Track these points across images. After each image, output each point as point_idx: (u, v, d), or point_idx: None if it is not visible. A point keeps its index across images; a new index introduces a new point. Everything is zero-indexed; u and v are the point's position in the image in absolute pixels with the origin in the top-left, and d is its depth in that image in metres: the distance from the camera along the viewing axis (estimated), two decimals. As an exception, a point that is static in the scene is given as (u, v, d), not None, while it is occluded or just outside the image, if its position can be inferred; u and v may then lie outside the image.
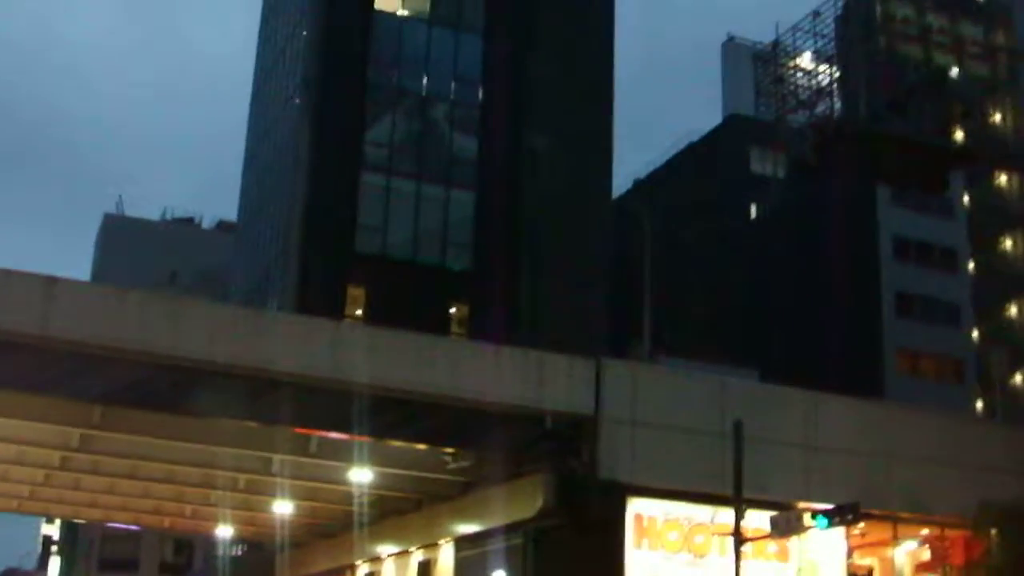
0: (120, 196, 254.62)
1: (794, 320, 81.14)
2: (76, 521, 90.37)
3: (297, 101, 72.19)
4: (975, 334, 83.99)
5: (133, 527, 71.56)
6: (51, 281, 32.09)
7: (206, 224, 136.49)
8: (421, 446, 38.78)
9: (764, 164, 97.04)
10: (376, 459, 39.92)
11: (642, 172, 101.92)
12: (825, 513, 31.87)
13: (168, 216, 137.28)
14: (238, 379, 33.74)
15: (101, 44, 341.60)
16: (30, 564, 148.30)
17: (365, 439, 37.82)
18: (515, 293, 66.99)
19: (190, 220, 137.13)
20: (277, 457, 41.54)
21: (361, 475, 41.23)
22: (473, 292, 66.29)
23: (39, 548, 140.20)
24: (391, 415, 35.48)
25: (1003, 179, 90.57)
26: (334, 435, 38.02)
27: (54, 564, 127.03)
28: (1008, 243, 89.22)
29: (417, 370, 34.95)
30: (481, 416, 35.94)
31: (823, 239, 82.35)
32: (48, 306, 31.47)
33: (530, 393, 36.23)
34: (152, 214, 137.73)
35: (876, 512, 37.69)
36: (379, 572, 49.42)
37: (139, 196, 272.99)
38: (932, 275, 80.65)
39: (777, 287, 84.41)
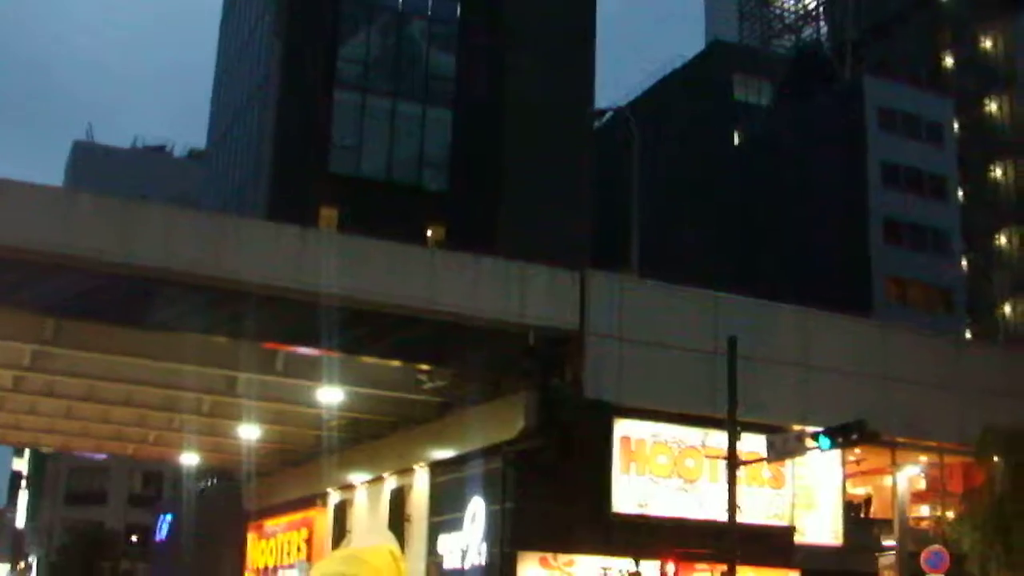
0: (90, 124, 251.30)
1: (782, 247, 79.43)
2: (42, 451, 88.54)
3: (267, 18, 69.65)
4: (964, 263, 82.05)
5: (97, 455, 69.49)
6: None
7: (178, 152, 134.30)
8: (395, 363, 36.46)
9: (748, 90, 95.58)
10: (347, 378, 37.63)
11: (623, 101, 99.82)
12: (828, 432, 29.69)
13: (139, 145, 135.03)
14: (198, 289, 31.58)
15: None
16: (0, 501, 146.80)
17: (335, 355, 35.52)
18: (494, 216, 64.81)
19: (161, 148, 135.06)
20: (242, 376, 39.29)
21: (331, 395, 39.00)
22: (450, 214, 64.13)
23: (6, 484, 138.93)
24: (362, 329, 33.22)
25: (993, 106, 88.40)
26: (302, 350, 35.76)
27: (23, 499, 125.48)
28: (998, 171, 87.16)
29: (390, 281, 32.80)
30: (458, 331, 33.85)
31: (811, 165, 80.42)
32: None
33: (511, 307, 34.07)
34: (124, 144, 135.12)
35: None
36: (351, 500, 47.29)
37: (112, 127, 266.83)
38: (921, 202, 78.51)
39: (764, 214, 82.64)
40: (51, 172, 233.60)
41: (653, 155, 73.60)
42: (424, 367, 36.60)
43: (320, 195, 62.62)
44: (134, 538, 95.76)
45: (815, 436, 30.14)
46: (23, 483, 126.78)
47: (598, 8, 73.95)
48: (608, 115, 47.28)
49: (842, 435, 29.53)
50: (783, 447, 31.92)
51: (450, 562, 37.87)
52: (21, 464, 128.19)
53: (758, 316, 37.64)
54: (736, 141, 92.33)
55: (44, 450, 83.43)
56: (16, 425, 49.05)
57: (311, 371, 37.20)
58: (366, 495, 46.29)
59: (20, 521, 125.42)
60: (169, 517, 70.44)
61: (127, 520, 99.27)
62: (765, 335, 36.55)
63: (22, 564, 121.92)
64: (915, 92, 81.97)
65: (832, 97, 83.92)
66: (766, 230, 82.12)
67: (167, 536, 70.06)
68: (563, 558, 34.59)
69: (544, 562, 34.51)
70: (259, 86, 70.18)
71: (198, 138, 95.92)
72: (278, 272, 31.60)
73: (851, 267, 75.43)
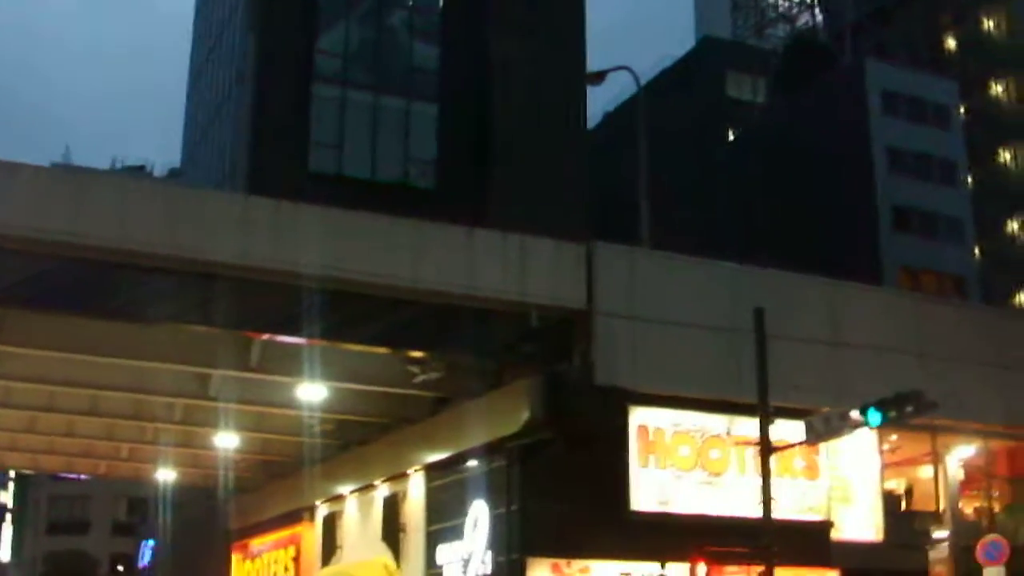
0: (67, 146, 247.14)
1: (785, 244, 75.96)
2: (7, 473, 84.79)
3: (240, 12, 66.28)
4: (976, 251, 78.76)
5: (70, 475, 65.76)
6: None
7: (158, 172, 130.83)
8: (381, 350, 32.58)
9: (741, 87, 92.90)
10: (330, 373, 33.83)
11: (611, 105, 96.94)
12: (879, 405, 26.08)
13: (118, 166, 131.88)
14: (160, 272, 27.94)
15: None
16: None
17: (315, 342, 31.73)
18: (483, 214, 61.05)
19: (141, 168, 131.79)
20: (215, 373, 35.48)
21: (313, 393, 35.35)
22: (438, 213, 59.70)
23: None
24: (345, 312, 29.46)
25: (998, 89, 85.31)
26: (278, 338, 31.93)
27: (7, 532, 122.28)
28: (1006, 156, 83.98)
29: (374, 257, 29.26)
30: (452, 313, 30.35)
31: (812, 156, 77.15)
32: None
33: (510, 284, 30.43)
34: (103, 165, 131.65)
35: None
36: (340, 512, 43.66)
37: (88, 149, 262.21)
38: (930, 188, 75.36)
39: (764, 212, 79.36)
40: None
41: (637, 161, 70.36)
42: (415, 355, 32.79)
43: (300, 196, 58.65)
44: (120, 568, 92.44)
45: (862, 411, 26.54)
46: (8, 516, 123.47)
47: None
48: (606, 79, 43.34)
49: (895, 407, 25.94)
50: (824, 427, 28.31)
51: (451, 573, 34.20)
52: (6, 496, 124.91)
53: (782, 289, 33.99)
54: (731, 139, 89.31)
55: (18, 472, 79.97)
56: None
57: (290, 366, 33.40)
58: (357, 506, 42.61)
59: (5, 555, 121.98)
60: (152, 543, 66.99)
61: (111, 549, 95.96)
62: (791, 310, 32.84)
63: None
64: (919, 75, 79.12)
65: (832, 83, 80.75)
66: (768, 230, 78.66)
67: (150, 563, 66.60)
68: (577, 564, 30.90)
69: (556, 569, 30.83)
70: (231, 87, 66.86)
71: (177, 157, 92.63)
72: (248, 250, 28.06)
73: (861, 258, 72.09)
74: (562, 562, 30.73)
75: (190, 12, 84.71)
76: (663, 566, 29.67)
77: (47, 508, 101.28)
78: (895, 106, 76.54)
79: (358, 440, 41.11)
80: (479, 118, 63.56)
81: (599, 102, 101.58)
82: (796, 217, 76.39)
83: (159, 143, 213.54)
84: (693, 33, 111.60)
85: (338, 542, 43.77)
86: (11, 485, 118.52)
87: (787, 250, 74.17)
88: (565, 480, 30.55)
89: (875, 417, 26.21)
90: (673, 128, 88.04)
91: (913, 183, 74.79)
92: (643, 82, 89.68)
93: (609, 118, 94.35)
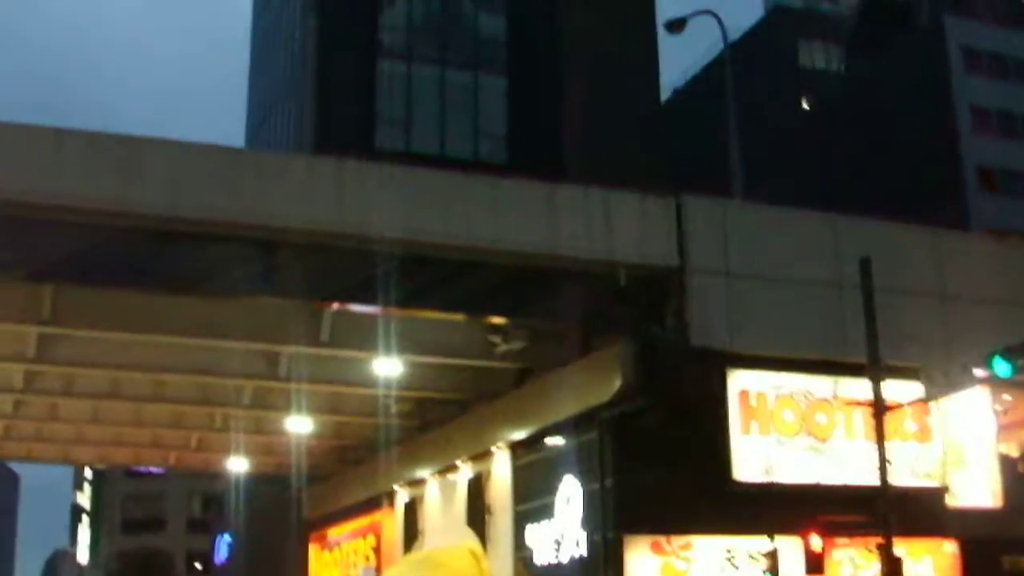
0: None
1: (868, 214, 73.39)
2: (97, 471, 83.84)
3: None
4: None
5: (142, 469, 64.38)
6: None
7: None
8: (459, 317, 30.72)
9: (814, 55, 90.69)
10: (406, 345, 31.83)
11: (680, 81, 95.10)
12: (1006, 353, 23.76)
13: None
14: (221, 241, 25.92)
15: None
16: (63, 540, 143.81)
17: (389, 310, 29.73)
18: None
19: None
20: (285, 350, 33.62)
21: (389, 367, 33.37)
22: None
23: (68, 520, 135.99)
24: (419, 278, 27.42)
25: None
26: (350, 308, 30.02)
27: (84, 534, 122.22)
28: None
29: (448, 218, 27.03)
30: (534, 275, 28.21)
31: (892, 121, 74.51)
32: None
33: (596, 243, 28.16)
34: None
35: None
36: (421, 497, 41.75)
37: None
38: (1015, 147, 72.65)
39: (845, 181, 76.77)
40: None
41: (715, 134, 68.23)
42: (496, 322, 30.84)
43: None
44: (198, 565, 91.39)
45: (987, 361, 24.26)
46: (84, 517, 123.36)
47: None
48: (686, 26, 41.34)
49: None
50: (945, 381, 26.02)
51: (542, 556, 32.18)
52: (82, 498, 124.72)
53: (885, 240, 31.43)
54: (806, 107, 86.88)
55: (95, 471, 79.07)
56: (39, 436, 43.90)
57: (362, 339, 31.51)
58: (438, 489, 40.65)
59: (83, 556, 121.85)
60: (227, 537, 65.57)
61: (187, 546, 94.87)
62: (895, 262, 30.36)
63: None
64: (1000, 30, 76.31)
65: (910, 44, 78.14)
66: (848, 198, 76.04)
67: (227, 558, 65.20)
68: (678, 540, 28.71)
69: (656, 547, 28.64)
70: (294, 68, 65.33)
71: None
72: (314, 214, 26.03)
73: (947, 221, 69.46)
74: (662, 539, 28.56)
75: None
76: (771, 539, 27.45)
77: (122, 507, 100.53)
78: (977, 64, 73.98)
79: (437, 419, 39.27)
80: (550, 90, 61.61)
81: (673, 72, 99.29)
82: (878, 184, 73.80)
83: (222, 130, 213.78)
84: (762, 4, 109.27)
85: (420, 528, 41.91)
86: (86, 486, 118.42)
87: (869, 217, 71.87)
88: (662, 451, 28.24)
89: (1003, 367, 23.93)
90: (746, 100, 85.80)
91: (997, 142, 72.17)
92: (713, 55, 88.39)
93: (679, 94, 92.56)
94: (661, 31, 65.73)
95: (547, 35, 62.70)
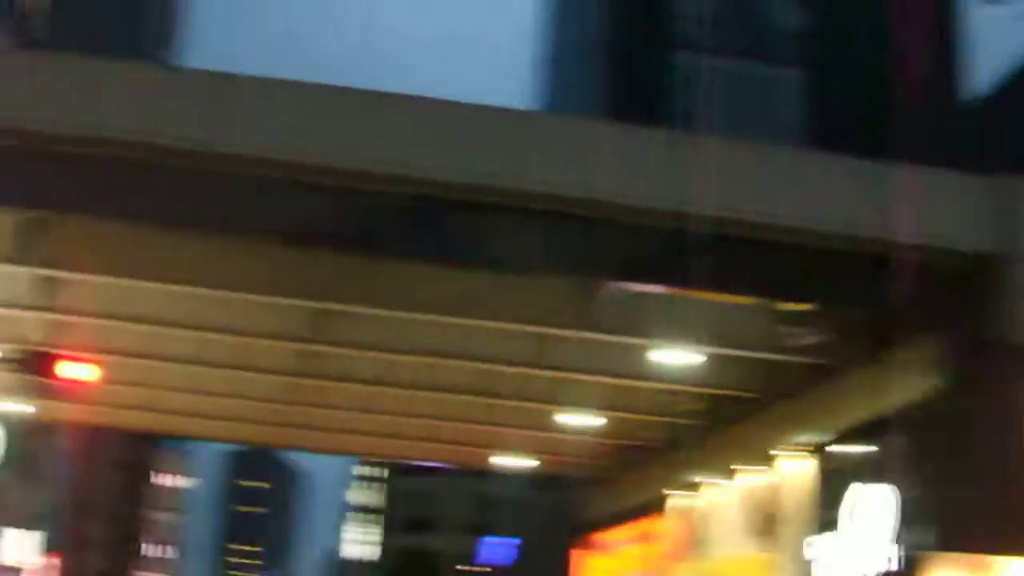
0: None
1: None
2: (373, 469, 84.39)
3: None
4: None
5: (414, 462, 63.70)
6: (226, 79, 23.78)
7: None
8: (753, 301, 28.38)
9: None
10: (688, 335, 29.39)
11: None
12: None
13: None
14: (495, 210, 24.29)
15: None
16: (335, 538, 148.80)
17: (675, 291, 27.53)
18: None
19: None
20: (561, 334, 31.47)
21: (671, 358, 31.00)
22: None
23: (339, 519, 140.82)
24: (711, 257, 24.83)
25: None
26: (630, 286, 27.81)
27: (355, 531, 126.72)
28: None
29: (745, 193, 24.69)
30: (833, 259, 25.61)
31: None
32: (220, 114, 22.94)
33: (905, 225, 25.18)
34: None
35: None
36: (705, 502, 39.74)
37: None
38: None
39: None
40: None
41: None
42: (793, 310, 28.28)
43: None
44: (468, 567, 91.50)
45: None
46: (357, 514, 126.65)
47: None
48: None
49: None
50: None
51: (840, 571, 29.33)
52: (362, 495, 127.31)
53: None
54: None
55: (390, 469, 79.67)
56: (325, 424, 43.58)
57: (639, 324, 29.34)
58: (724, 495, 38.63)
59: (355, 552, 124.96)
60: (499, 539, 65.16)
61: (461, 549, 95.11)
62: None
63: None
64: None
65: None
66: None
67: (501, 559, 64.64)
68: (1000, 560, 25.61)
69: (973, 566, 25.61)
70: (585, 61, 64.02)
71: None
72: (595, 182, 23.98)
73: None
74: (980, 558, 25.51)
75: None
76: None
77: (399, 505, 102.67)
78: None
79: (723, 419, 37.10)
80: (857, 85, 58.61)
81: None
82: None
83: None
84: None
85: (703, 536, 40.06)
86: (361, 484, 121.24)
87: None
88: (980, 458, 25.38)
89: None
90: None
91: None
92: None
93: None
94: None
95: (850, 25, 59.94)
